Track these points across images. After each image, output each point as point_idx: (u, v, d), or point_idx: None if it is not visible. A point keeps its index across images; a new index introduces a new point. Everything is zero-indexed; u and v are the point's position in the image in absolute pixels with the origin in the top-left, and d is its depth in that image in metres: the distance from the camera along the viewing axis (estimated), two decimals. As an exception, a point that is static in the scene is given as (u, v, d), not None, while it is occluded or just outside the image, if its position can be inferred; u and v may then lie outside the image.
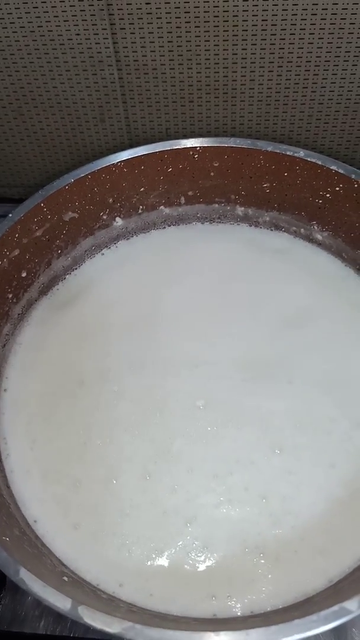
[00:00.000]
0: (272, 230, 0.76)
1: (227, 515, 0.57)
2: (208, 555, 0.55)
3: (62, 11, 0.66)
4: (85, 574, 0.54)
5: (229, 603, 0.53)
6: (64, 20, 0.67)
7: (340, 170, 0.66)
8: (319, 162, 0.67)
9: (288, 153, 0.68)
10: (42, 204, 0.66)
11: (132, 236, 0.77)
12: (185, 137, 0.72)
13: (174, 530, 0.56)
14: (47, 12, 0.66)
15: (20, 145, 0.81)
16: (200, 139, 0.70)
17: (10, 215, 0.64)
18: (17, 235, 0.65)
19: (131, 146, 0.77)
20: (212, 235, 0.77)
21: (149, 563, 0.55)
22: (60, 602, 0.43)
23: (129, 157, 0.69)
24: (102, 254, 0.76)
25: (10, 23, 0.67)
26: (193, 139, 0.70)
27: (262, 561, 0.55)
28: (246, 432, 0.61)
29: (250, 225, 0.77)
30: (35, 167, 0.84)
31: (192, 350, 0.66)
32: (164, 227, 0.78)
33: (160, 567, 0.55)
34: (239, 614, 0.52)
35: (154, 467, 0.59)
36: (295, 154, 0.68)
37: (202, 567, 0.55)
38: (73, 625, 0.59)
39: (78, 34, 0.68)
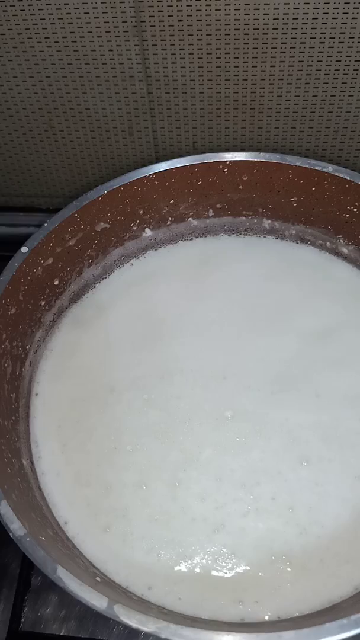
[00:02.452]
0: (297, 243, 0.77)
1: (255, 524, 0.57)
2: (235, 562, 0.56)
3: (97, 27, 0.67)
4: (115, 576, 0.55)
5: (257, 608, 0.53)
6: (98, 37, 0.68)
7: (369, 185, 0.67)
8: (347, 177, 0.67)
9: (317, 168, 0.68)
10: (76, 214, 0.67)
11: (160, 247, 0.78)
12: (212, 151, 0.73)
13: (202, 537, 0.57)
14: (82, 27, 0.67)
15: (50, 156, 0.82)
16: (231, 153, 0.70)
17: (45, 224, 0.65)
18: (51, 244, 0.66)
19: (158, 160, 0.78)
20: (239, 247, 0.77)
21: (177, 568, 0.56)
22: (97, 600, 0.44)
23: (161, 170, 0.70)
24: (131, 264, 0.77)
25: (45, 38, 0.68)
26: (223, 153, 0.71)
27: (289, 569, 0.55)
28: (274, 444, 0.62)
29: (277, 238, 0.78)
30: (63, 179, 0.85)
31: (220, 362, 0.67)
32: (191, 239, 0.78)
33: (188, 571, 0.55)
34: (266, 618, 0.52)
35: (183, 475, 0.60)
36: (324, 169, 0.68)
37: (229, 574, 0.55)
38: (95, 629, 0.60)
39: (111, 50, 0.69)
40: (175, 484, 0.60)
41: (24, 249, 0.63)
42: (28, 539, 0.47)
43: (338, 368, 0.66)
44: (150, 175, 0.70)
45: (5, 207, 0.90)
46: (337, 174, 0.68)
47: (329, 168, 0.68)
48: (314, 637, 0.43)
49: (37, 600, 0.62)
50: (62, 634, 0.61)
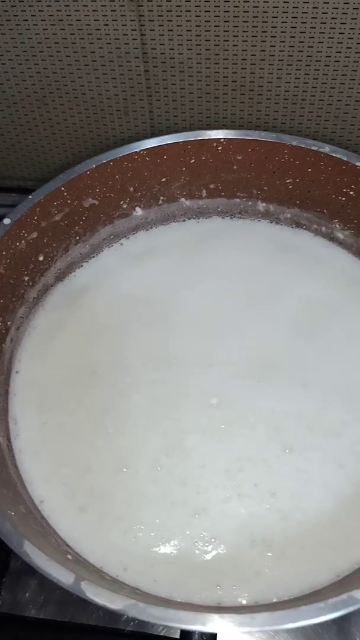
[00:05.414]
0: (292, 227, 0.76)
1: (236, 509, 0.56)
2: (215, 546, 0.54)
3: (92, 1, 0.66)
4: (89, 556, 0.54)
5: (234, 592, 0.52)
6: (93, 10, 0.67)
7: (366, 167, 0.66)
8: (344, 158, 0.66)
9: (313, 148, 0.67)
10: (62, 188, 0.66)
11: (151, 227, 0.77)
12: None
13: (182, 520, 0.56)
14: (76, 1, 0.66)
15: (43, 135, 0.81)
16: (225, 131, 0.69)
17: (30, 196, 0.64)
18: (36, 218, 0.65)
19: (154, 140, 0.77)
20: (232, 230, 0.76)
21: (154, 549, 0.54)
22: (63, 576, 0.43)
23: (152, 145, 0.69)
24: (121, 243, 0.75)
25: (39, 11, 0.67)
26: (217, 130, 0.69)
27: (269, 554, 0.54)
28: (258, 432, 0.60)
29: (271, 222, 0.77)
30: (56, 159, 0.84)
31: (207, 349, 0.66)
32: (184, 220, 0.77)
33: (166, 554, 0.54)
34: (244, 602, 0.51)
35: (166, 460, 0.59)
36: (321, 149, 0.67)
37: (208, 557, 0.54)
38: (75, 613, 0.59)
39: (106, 25, 0.68)
40: (156, 468, 0.58)
41: (6, 221, 0.62)
42: (-8, 511, 0.45)
43: (327, 357, 0.65)
44: (141, 150, 0.69)
45: (-4, 187, 0.89)
46: (334, 155, 0.67)
47: (326, 148, 0.67)
48: (288, 620, 0.41)
49: (17, 584, 0.61)
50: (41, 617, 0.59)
